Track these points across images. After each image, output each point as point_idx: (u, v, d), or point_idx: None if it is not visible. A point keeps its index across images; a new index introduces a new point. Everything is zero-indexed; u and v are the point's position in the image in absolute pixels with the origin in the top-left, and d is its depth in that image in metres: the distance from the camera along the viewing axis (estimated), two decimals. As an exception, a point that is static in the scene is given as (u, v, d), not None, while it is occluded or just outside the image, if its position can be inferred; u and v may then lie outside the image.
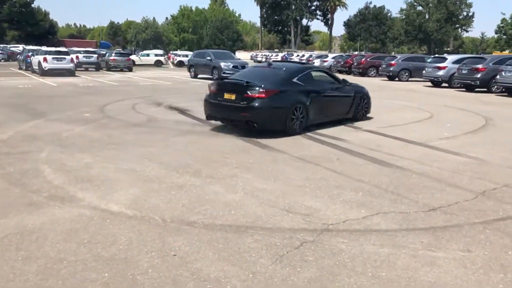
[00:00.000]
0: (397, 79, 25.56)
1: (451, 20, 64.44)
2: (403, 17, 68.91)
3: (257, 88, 7.76)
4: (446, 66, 21.09)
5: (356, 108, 9.96)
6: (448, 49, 68.23)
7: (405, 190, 4.99)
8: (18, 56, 33.97)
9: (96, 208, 4.26)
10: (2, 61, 40.67)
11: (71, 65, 24.31)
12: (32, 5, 70.89)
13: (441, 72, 21.19)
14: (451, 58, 22.21)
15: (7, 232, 3.65)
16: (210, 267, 3.14)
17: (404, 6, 68.36)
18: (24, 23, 67.49)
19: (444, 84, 21.29)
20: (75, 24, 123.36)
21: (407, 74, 25.61)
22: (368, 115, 10.45)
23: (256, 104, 7.66)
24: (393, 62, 26.35)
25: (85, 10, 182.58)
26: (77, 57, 28.14)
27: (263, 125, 7.82)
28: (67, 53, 25.32)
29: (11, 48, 48.10)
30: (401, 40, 70.62)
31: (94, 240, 3.54)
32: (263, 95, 7.69)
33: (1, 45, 52.05)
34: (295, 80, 8.47)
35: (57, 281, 2.92)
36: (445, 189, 5.04)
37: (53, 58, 23.77)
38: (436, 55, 27.83)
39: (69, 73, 23.94)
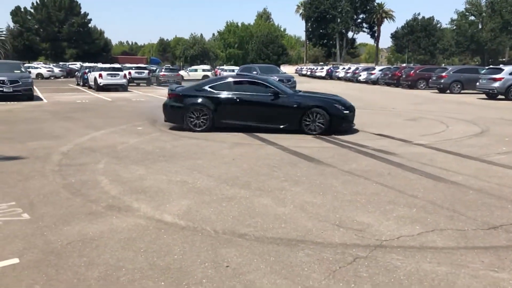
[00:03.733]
0: (448, 91, 24.67)
1: (507, 29, 61.46)
2: (454, 27, 66.62)
3: None
4: (503, 78, 20.09)
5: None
6: (504, 59, 64.97)
7: (461, 206, 4.78)
8: (76, 73, 36.09)
9: (150, 218, 4.41)
10: (62, 77, 43.34)
11: (124, 80, 25.49)
12: (89, 25, 75.41)
13: (496, 84, 20.21)
14: (507, 69, 21.14)
15: (71, 239, 3.86)
16: (263, 279, 3.16)
17: (455, 17, 66.09)
18: (82, 42, 71.83)
19: (500, 97, 20.29)
20: (127, 41, 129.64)
21: (459, 86, 24.64)
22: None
23: None
24: (444, 74, 25.47)
25: (136, 28, 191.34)
26: (129, 73, 29.46)
27: None
28: (120, 69, 26.57)
29: (70, 66, 51.28)
30: (451, 51, 68.24)
31: (150, 249, 3.66)
32: None
33: (61, 63, 55.60)
34: None
35: (116, 288, 3.04)
36: (506, 207, 4.79)
37: (107, 74, 25.04)
38: (491, 66, 26.60)
39: (122, 88, 25.09)
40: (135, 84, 30.38)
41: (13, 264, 3.37)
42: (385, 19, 77.58)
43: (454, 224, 4.26)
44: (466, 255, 3.58)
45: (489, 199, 5.07)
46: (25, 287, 3.03)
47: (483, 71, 23.21)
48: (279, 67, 37.92)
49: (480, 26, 63.66)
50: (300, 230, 4.09)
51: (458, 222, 4.31)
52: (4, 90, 17.31)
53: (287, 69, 53.66)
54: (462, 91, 24.49)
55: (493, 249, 3.69)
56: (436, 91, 25.70)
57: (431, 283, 3.10)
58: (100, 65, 29.87)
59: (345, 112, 9.81)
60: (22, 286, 3.05)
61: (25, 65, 23.74)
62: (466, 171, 6.37)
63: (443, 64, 59.14)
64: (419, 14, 75.55)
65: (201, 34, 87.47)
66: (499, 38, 60.72)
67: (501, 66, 24.81)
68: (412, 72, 30.08)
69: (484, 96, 21.46)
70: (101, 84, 24.54)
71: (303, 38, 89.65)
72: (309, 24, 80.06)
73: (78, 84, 31.35)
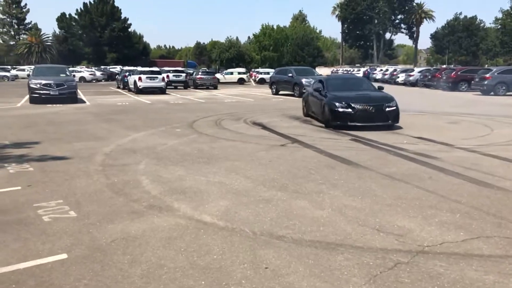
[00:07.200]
0: (492, 93, 23.70)
1: (556, 28, 58.36)
2: (499, 27, 63.92)
3: None
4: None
5: None
6: (553, 59, 61.73)
7: (509, 213, 4.59)
8: (116, 76, 37.29)
9: (190, 218, 4.50)
10: (103, 81, 44.91)
11: (163, 83, 26.11)
12: (129, 30, 77.72)
13: (545, 85, 19.25)
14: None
15: (114, 236, 3.99)
16: (302, 282, 3.15)
17: (500, 15, 63.37)
18: (122, 46, 74.13)
19: (549, 98, 19.30)
20: (165, 45, 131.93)
21: (504, 88, 23.64)
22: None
23: None
24: (487, 75, 24.52)
25: (174, 32, 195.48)
26: (167, 76, 30.13)
27: None
28: (159, 73, 27.25)
29: (111, 69, 53.05)
30: (496, 51, 65.50)
31: (190, 248, 3.74)
32: None
33: (102, 67, 57.58)
34: None
35: (158, 286, 3.12)
36: (557, 214, 4.55)
37: (147, 77, 25.74)
38: (539, 67, 25.40)
39: (161, 91, 25.70)
40: (172, 87, 31.01)
41: (61, 259, 3.53)
42: (425, 19, 75.57)
43: (501, 231, 4.10)
44: (515, 264, 3.43)
45: (539, 206, 4.83)
46: (74, 282, 3.17)
47: (530, 72, 22.18)
48: (315, 69, 37.67)
49: (527, 25, 60.72)
50: (339, 234, 4.05)
51: (505, 230, 4.13)
52: (51, 93, 18.17)
53: (323, 71, 53.09)
54: (508, 93, 23.47)
55: (544, 259, 3.51)
56: (479, 93, 24.75)
57: (477, 292, 3.00)
58: (139, 68, 30.73)
59: None
60: (71, 280, 3.19)
61: (69, 69, 24.75)
62: (513, 177, 6.10)
63: (487, 65, 56.88)
64: (460, 13, 73.52)
65: (237, 37, 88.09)
66: (548, 37, 57.75)
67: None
68: (453, 73, 29.14)
69: (531, 98, 20.48)
70: (140, 87, 25.24)
71: (339, 39, 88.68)
72: (346, 25, 79.17)
73: (118, 87, 32.37)
